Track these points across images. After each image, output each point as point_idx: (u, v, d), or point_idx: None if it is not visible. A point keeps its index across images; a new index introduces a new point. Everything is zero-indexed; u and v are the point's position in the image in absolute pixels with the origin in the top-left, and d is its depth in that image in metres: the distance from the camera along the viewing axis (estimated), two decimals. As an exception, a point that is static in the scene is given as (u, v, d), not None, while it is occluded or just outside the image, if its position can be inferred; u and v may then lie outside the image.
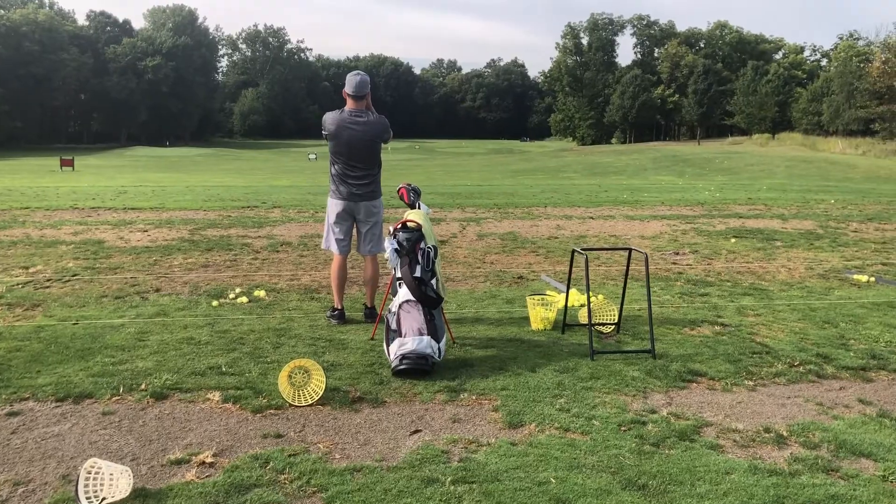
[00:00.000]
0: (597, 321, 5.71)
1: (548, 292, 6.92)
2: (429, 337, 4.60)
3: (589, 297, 5.05)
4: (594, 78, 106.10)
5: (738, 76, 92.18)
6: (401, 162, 67.65)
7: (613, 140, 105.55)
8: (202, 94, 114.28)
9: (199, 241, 9.87)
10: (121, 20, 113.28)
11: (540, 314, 5.68)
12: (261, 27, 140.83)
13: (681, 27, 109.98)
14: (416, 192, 5.46)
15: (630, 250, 5.43)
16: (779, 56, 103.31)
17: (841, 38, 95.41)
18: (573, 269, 5.75)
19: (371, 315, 5.93)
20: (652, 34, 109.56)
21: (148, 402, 4.12)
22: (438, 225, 11.99)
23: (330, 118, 5.74)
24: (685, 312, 6.38)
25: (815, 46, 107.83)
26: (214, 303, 6.47)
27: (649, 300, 5.13)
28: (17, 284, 7.16)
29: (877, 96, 66.53)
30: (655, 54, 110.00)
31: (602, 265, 8.69)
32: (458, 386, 4.42)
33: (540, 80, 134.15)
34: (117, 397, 4.19)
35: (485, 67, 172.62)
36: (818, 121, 77.19)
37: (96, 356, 4.90)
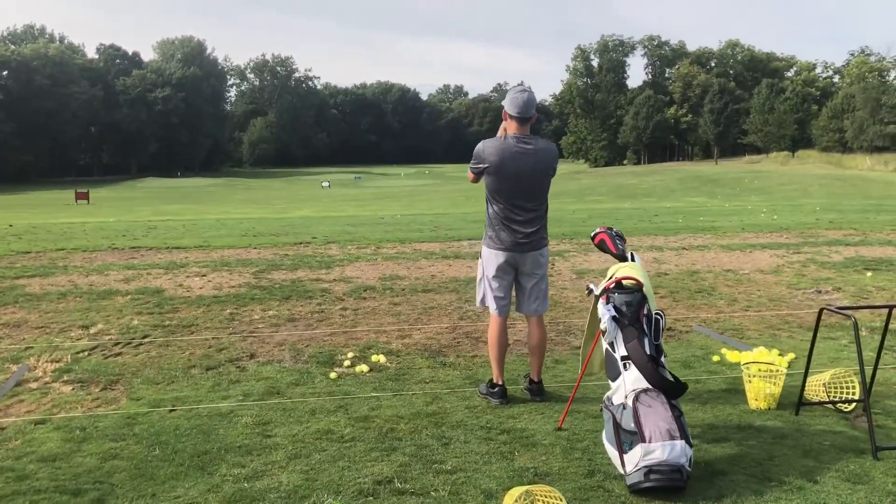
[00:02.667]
0: (836, 396, 4.50)
1: (723, 351, 5.73)
2: (682, 441, 3.38)
3: (863, 371, 3.85)
4: (606, 99, 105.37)
5: (751, 94, 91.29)
6: (416, 188, 66.72)
7: (626, 161, 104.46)
8: (211, 124, 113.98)
9: (271, 288, 8.69)
10: (130, 52, 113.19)
11: (762, 390, 4.47)
12: (268, 56, 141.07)
13: (691, 46, 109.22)
14: (622, 238, 4.22)
15: (890, 308, 4.22)
16: (791, 73, 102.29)
17: (852, 55, 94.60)
18: (818, 332, 4.46)
19: (539, 392, 4.73)
20: (663, 54, 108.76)
21: (325, 551, 2.93)
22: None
23: (490, 147, 4.59)
24: (911, 376, 5.17)
25: (826, 63, 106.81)
26: (332, 374, 5.28)
27: (938, 376, 3.93)
28: (83, 351, 6.00)
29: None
30: (667, 74, 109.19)
31: (780, 311, 7.48)
32: (734, 510, 3.22)
33: (549, 103, 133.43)
34: (276, 541, 3.00)
35: (491, 92, 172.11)
36: (840, 137, 76.05)
37: (219, 466, 3.72)
